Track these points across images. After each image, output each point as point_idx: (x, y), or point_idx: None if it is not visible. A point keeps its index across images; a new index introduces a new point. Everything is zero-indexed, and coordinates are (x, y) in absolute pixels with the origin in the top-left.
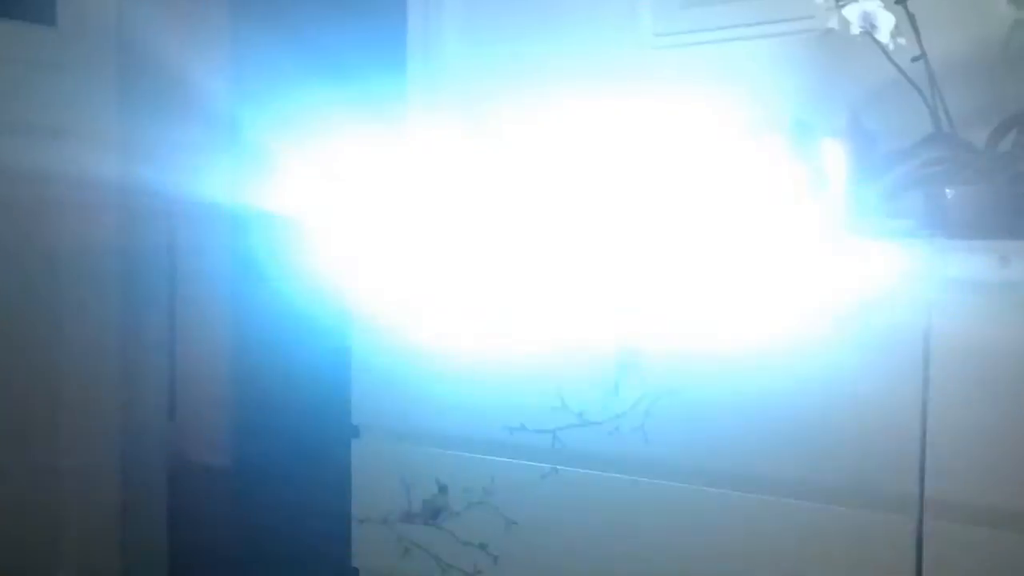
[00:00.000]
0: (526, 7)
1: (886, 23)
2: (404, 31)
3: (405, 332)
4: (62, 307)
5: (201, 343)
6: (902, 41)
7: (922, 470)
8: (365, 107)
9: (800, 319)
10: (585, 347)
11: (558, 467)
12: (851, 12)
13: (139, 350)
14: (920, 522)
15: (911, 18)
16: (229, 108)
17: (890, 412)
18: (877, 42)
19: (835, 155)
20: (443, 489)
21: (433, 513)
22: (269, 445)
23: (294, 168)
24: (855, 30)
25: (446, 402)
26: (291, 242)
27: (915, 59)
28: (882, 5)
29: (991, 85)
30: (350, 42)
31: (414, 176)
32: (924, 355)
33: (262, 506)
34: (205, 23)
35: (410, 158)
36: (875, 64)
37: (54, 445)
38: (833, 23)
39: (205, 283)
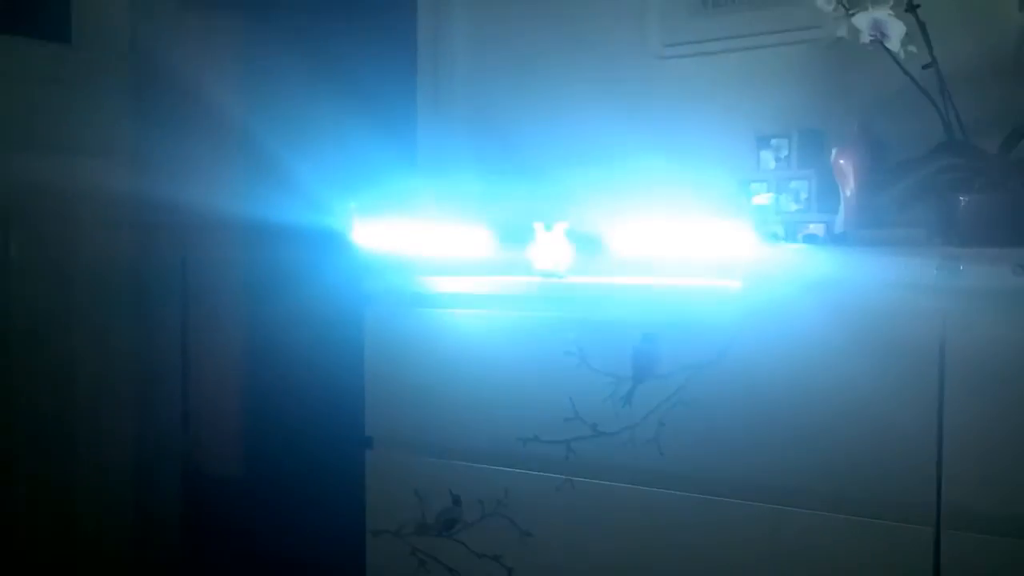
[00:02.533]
0: (535, 19)
1: (897, 31)
2: (414, 44)
3: (418, 344)
4: (78, 320)
5: (215, 355)
6: (913, 49)
7: (939, 480)
8: (376, 120)
9: (814, 329)
10: (598, 358)
11: (572, 478)
12: (861, 21)
13: (153, 362)
14: (937, 532)
15: (922, 26)
16: (242, 123)
17: (906, 421)
18: (888, 50)
19: (846, 164)
20: (457, 500)
21: (447, 525)
22: (283, 457)
23: (307, 182)
24: (865, 39)
25: (459, 414)
26: (304, 255)
27: (926, 67)
28: (892, 13)
29: (1003, 92)
30: (361, 57)
31: (425, 187)
32: (939, 364)
33: (276, 518)
34: (218, 40)
35: (421, 170)
36: (886, 72)
37: (69, 456)
38: (843, 32)
39: (218, 296)
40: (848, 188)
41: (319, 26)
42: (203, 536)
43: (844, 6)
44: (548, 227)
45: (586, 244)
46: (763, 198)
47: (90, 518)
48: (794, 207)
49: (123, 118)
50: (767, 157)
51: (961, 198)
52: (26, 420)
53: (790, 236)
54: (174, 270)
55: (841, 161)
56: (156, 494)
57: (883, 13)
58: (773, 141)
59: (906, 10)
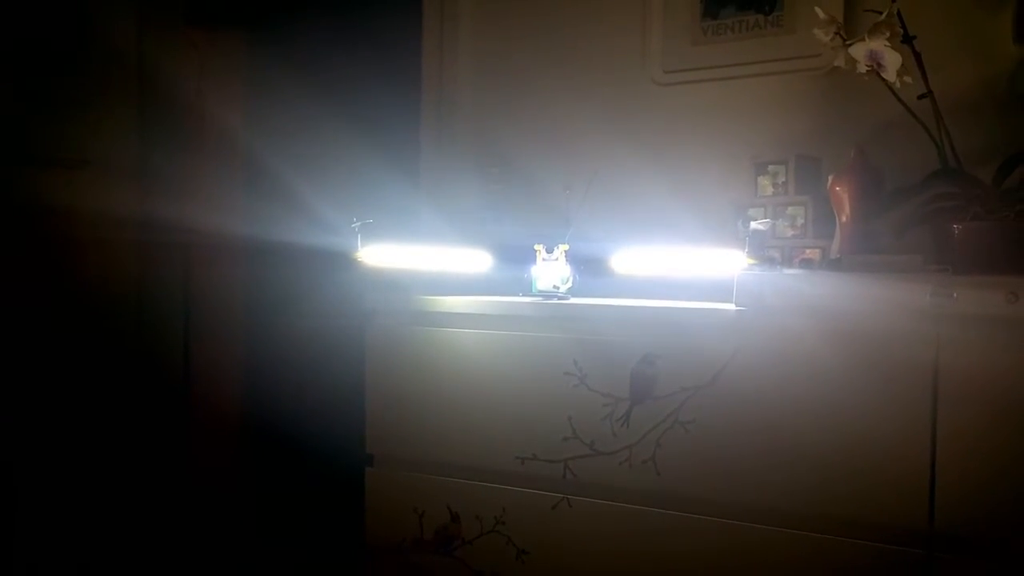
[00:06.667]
0: (537, 44)
1: (893, 62)
2: (419, 65)
3: (419, 362)
4: (79, 336)
5: (216, 371)
6: (908, 79)
7: (932, 502)
8: (380, 140)
9: (809, 353)
10: (597, 378)
11: (569, 497)
12: (858, 51)
13: (154, 378)
14: (929, 555)
15: (917, 57)
16: (247, 143)
17: (899, 445)
18: (884, 80)
19: (843, 190)
20: (455, 518)
21: (445, 542)
22: (284, 474)
23: (310, 201)
24: (862, 68)
25: (459, 432)
26: (306, 274)
27: (921, 96)
28: (889, 44)
29: (997, 122)
30: (365, 78)
31: (428, 210)
32: (933, 389)
33: (276, 534)
34: (224, 60)
35: (424, 193)
36: (882, 101)
37: (71, 470)
38: (840, 61)
39: (220, 315)
40: (844, 214)
41: (324, 48)
42: (202, 553)
43: (841, 36)
44: (549, 249)
45: (585, 266)
46: (760, 223)
47: (90, 535)
48: (791, 232)
49: (129, 136)
50: (764, 183)
51: (955, 226)
52: (26, 436)
53: (787, 261)
54: (176, 287)
55: (837, 188)
56: (155, 512)
57: (879, 44)
58: (770, 167)
59: (902, 41)
